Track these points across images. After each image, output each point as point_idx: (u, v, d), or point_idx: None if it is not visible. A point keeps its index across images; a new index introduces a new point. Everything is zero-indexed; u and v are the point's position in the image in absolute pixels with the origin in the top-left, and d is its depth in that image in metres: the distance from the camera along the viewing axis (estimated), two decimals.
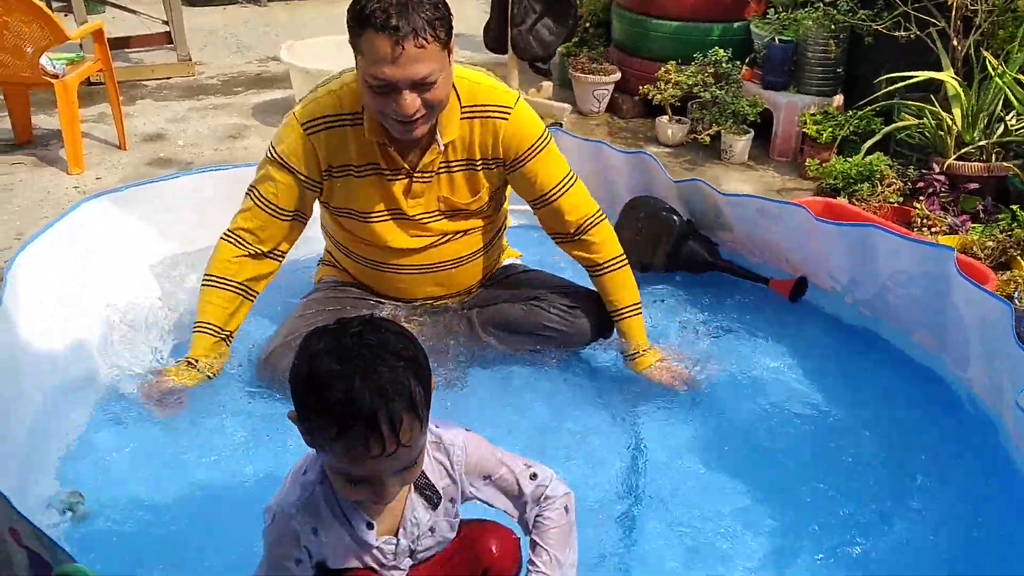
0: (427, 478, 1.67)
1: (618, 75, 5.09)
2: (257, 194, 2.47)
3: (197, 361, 2.43)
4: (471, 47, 5.53)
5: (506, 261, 2.93)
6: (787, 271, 3.04)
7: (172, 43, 5.91)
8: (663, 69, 4.68)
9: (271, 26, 7.09)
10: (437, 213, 2.55)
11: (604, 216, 2.62)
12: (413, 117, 2.23)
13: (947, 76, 3.84)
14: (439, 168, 2.47)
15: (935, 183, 3.68)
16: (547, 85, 5.08)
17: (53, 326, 2.45)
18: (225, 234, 2.51)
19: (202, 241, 2.96)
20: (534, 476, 1.75)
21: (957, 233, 3.43)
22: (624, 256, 2.61)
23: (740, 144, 4.49)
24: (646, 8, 4.99)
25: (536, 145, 2.48)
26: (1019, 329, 2.81)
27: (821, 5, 4.43)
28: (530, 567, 1.73)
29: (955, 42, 3.95)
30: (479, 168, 2.51)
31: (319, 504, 1.59)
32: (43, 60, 4.09)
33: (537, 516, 1.75)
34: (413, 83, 2.17)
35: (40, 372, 2.34)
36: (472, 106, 2.43)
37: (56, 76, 4.13)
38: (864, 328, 2.86)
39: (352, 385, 1.40)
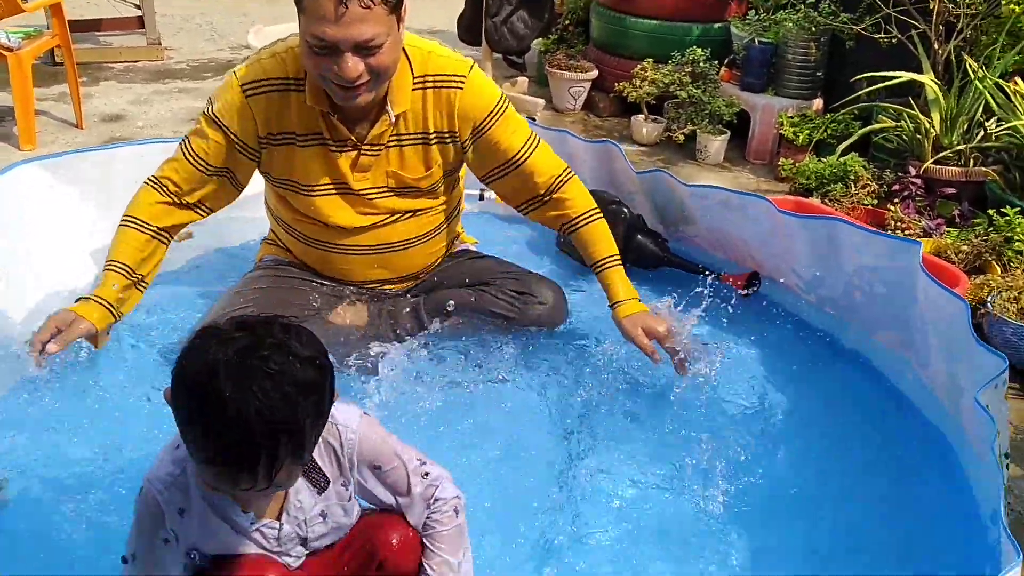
0: (314, 461, 1.54)
1: (595, 73, 4.99)
2: (187, 146, 2.35)
3: (103, 299, 2.25)
4: (447, 42, 5.43)
5: (459, 247, 2.81)
6: (750, 267, 2.93)
7: (143, 28, 5.79)
8: (639, 67, 4.57)
9: (248, 15, 6.97)
10: (385, 189, 2.42)
11: (572, 173, 2.53)
12: (355, 82, 2.11)
13: (927, 79, 3.74)
14: (389, 141, 2.35)
15: (911, 186, 3.58)
16: (522, 80, 4.97)
17: None
18: (149, 179, 2.38)
19: None
20: (426, 475, 1.63)
21: (931, 236, 3.32)
22: (598, 208, 2.52)
23: (715, 144, 4.38)
24: (626, 6, 4.88)
25: (495, 111, 2.38)
26: (991, 332, 2.73)
27: (802, 7, 4.34)
28: (421, 571, 1.61)
29: (936, 46, 3.86)
30: (433, 142, 2.39)
31: (188, 484, 1.46)
32: None
33: (427, 519, 1.63)
34: (356, 45, 2.05)
35: None
36: (424, 76, 2.31)
37: (10, 49, 3.98)
38: (827, 327, 2.75)
39: (241, 418, 1.26)
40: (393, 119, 2.30)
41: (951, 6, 3.76)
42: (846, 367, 2.62)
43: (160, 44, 5.74)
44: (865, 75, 3.84)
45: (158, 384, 2.26)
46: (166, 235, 2.38)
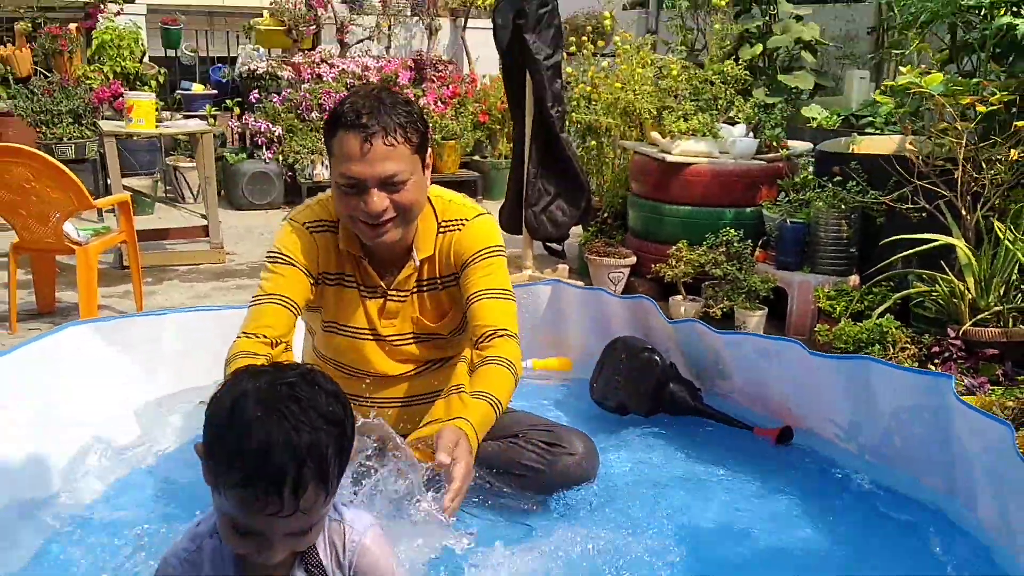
0: (319, 558, 1.54)
1: (633, 259, 5.13)
2: (264, 294, 2.34)
3: None
4: None
5: None
6: (790, 422, 2.89)
7: (208, 236, 6.16)
8: (674, 248, 4.71)
9: None
10: (410, 336, 2.48)
11: (516, 338, 2.39)
12: (381, 218, 2.22)
13: (959, 243, 3.79)
14: (414, 287, 2.44)
15: (951, 348, 3.54)
16: (562, 268, 5.13)
17: (17, 442, 2.38)
18: (239, 334, 2.32)
19: (189, 380, 2.94)
20: None
21: (975, 395, 3.25)
22: (511, 362, 2.33)
23: (754, 320, 4.42)
24: (660, 195, 5.09)
25: (482, 252, 2.42)
26: None
27: (830, 186, 4.48)
28: None
29: (964, 213, 3.93)
30: (445, 287, 2.47)
31: (203, 560, 1.49)
32: (68, 228, 4.24)
33: None
34: (381, 181, 2.19)
35: None
36: (443, 222, 2.44)
37: (78, 243, 4.26)
38: (869, 476, 2.66)
39: (269, 439, 1.34)
40: (417, 264, 2.40)
41: (976, 175, 3.86)
42: (892, 516, 2.50)
43: (222, 248, 6.07)
44: (893, 238, 3.90)
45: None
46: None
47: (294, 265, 2.36)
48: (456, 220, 2.44)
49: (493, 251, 2.44)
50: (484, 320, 2.37)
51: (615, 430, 2.91)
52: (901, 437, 2.54)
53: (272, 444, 1.33)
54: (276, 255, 2.37)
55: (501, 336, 2.35)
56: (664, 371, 2.95)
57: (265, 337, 2.28)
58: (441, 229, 2.43)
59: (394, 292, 2.42)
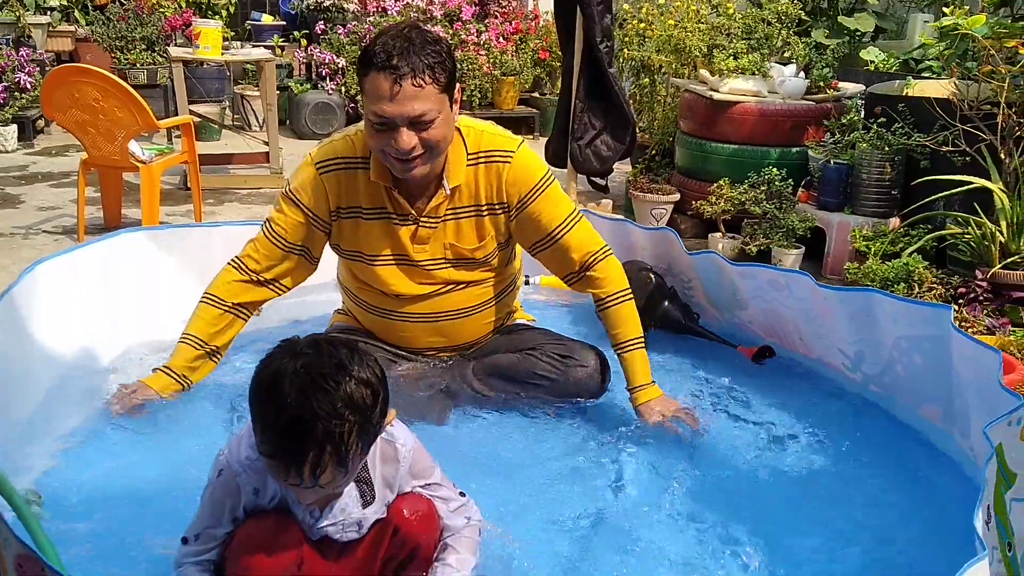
0: (368, 477, 1.73)
1: (677, 196, 5.20)
2: (268, 226, 2.60)
3: (171, 370, 2.51)
4: None
5: (515, 322, 2.96)
6: (801, 352, 3.00)
7: (268, 161, 6.38)
8: (716, 185, 4.77)
9: None
10: (443, 260, 2.61)
11: (610, 252, 2.64)
12: (410, 155, 2.34)
13: (995, 186, 3.80)
14: (446, 214, 2.55)
15: (977, 289, 3.58)
16: (606, 203, 5.22)
17: (72, 333, 2.61)
18: (232, 260, 2.63)
19: None
20: (462, 494, 1.87)
21: (994, 334, 3.30)
22: (629, 290, 2.63)
23: (790, 259, 4.48)
24: (707, 132, 5.14)
25: (539, 185, 2.56)
26: None
27: (875, 127, 4.48)
28: (437, 562, 1.78)
29: (1004, 157, 3.92)
30: (485, 214, 2.58)
31: (264, 468, 1.65)
32: (133, 146, 4.48)
33: (451, 525, 1.83)
34: (410, 120, 2.29)
35: (45, 371, 2.48)
36: (477, 152, 2.53)
37: (143, 162, 4.50)
38: (874, 404, 2.76)
39: (295, 422, 1.50)
40: (448, 192, 2.51)
41: (1019, 120, 3.85)
42: (891, 442, 2.60)
43: (282, 174, 6.29)
44: (931, 178, 3.91)
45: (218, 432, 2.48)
46: (243, 310, 2.61)
47: (299, 206, 2.54)
48: (496, 151, 2.53)
49: (547, 180, 2.58)
50: (576, 253, 2.61)
51: None
52: (903, 366, 2.62)
53: (297, 428, 1.49)
54: (287, 193, 2.57)
55: (601, 259, 2.62)
56: (659, 289, 3.16)
57: (247, 269, 2.58)
58: (475, 160, 2.53)
59: (425, 219, 2.54)
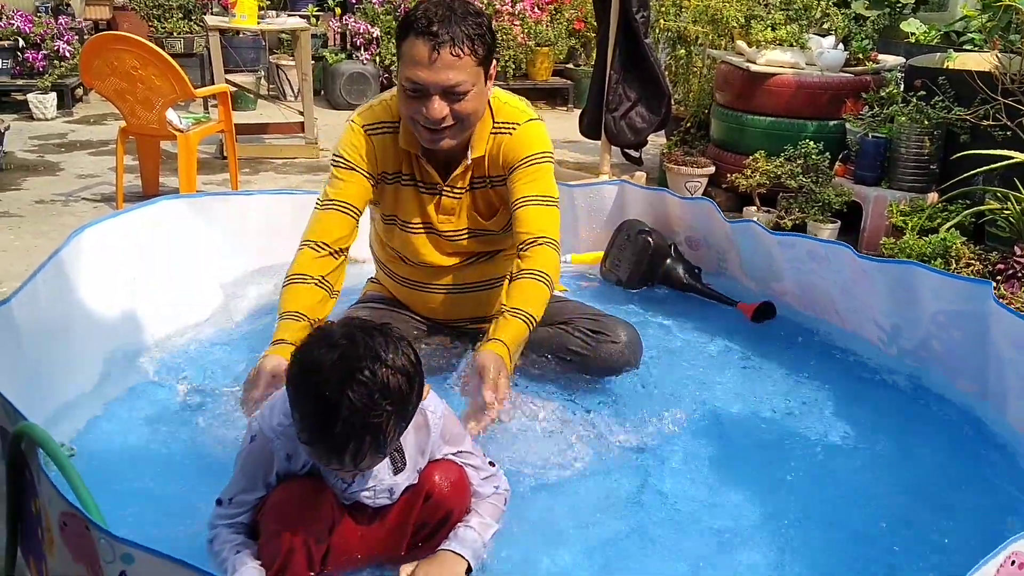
0: (400, 444, 1.75)
1: (712, 168, 5.17)
2: (328, 200, 2.48)
3: (285, 341, 2.27)
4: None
5: None
6: (836, 324, 2.99)
7: (304, 132, 6.41)
8: (751, 158, 4.73)
9: None
10: (465, 231, 2.59)
11: (554, 245, 2.44)
12: (440, 124, 2.33)
13: None
14: (468, 185, 2.54)
15: (1016, 265, 3.53)
16: (639, 175, 5.20)
17: (114, 297, 2.65)
18: (303, 243, 2.47)
19: (270, 258, 3.17)
20: (492, 464, 1.92)
21: None
22: (551, 279, 2.41)
23: (826, 233, 4.44)
24: (743, 105, 5.09)
25: (529, 158, 2.48)
26: None
27: (914, 101, 4.42)
28: (460, 524, 1.81)
29: None
30: (493, 185, 2.56)
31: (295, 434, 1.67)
32: (171, 115, 4.52)
33: (480, 492, 1.87)
34: (444, 89, 2.28)
35: (88, 333, 2.52)
36: (497, 123, 2.52)
37: (180, 130, 4.54)
38: (909, 378, 2.75)
39: (333, 415, 1.52)
40: (471, 162, 2.49)
41: None
42: (926, 415, 2.60)
43: (317, 144, 6.32)
44: (969, 152, 3.86)
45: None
46: (330, 285, 2.44)
47: (355, 170, 2.48)
48: (508, 123, 2.51)
49: (540, 157, 2.49)
50: (526, 227, 2.43)
51: (654, 321, 3.12)
52: (940, 341, 2.61)
53: (336, 420, 1.51)
54: (339, 159, 2.50)
55: (541, 244, 2.41)
56: (659, 250, 3.28)
57: (325, 246, 2.42)
58: (494, 130, 2.51)
59: (448, 189, 2.54)
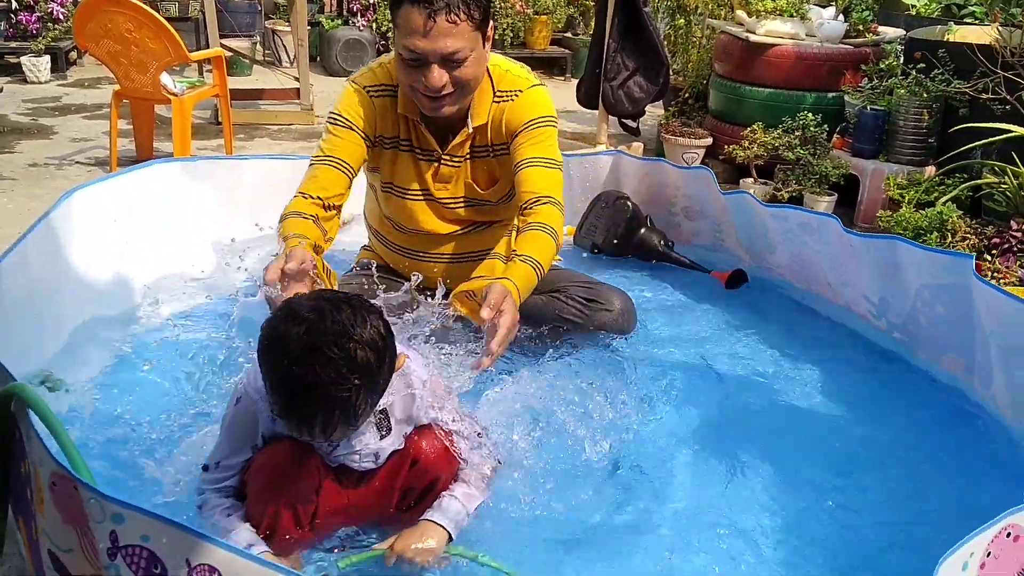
0: (384, 409, 1.76)
1: (709, 140, 5.15)
2: (321, 155, 2.44)
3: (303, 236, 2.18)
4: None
5: None
6: (828, 297, 2.99)
7: (299, 98, 6.37)
8: (749, 129, 4.71)
9: None
10: (462, 200, 2.59)
11: (558, 204, 2.41)
12: (440, 92, 2.30)
13: None
14: (467, 153, 2.53)
15: (1011, 239, 3.53)
16: (637, 146, 5.18)
17: (105, 259, 2.65)
18: (297, 193, 2.42)
19: (263, 225, 3.15)
20: (479, 434, 1.91)
21: None
22: (556, 232, 2.37)
23: (822, 206, 4.43)
24: (742, 75, 5.06)
25: (533, 122, 2.46)
26: None
27: (914, 73, 4.39)
28: (445, 493, 1.81)
29: None
30: (494, 155, 2.54)
31: None
32: (165, 79, 4.49)
33: (468, 460, 1.86)
34: (443, 57, 2.26)
35: (82, 294, 2.52)
36: (498, 91, 2.50)
37: (174, 94, 4.50)
38: (895, 354, 2.77)
39: (301, 388, 1.51)
40: (471, 131, 2.48)
41: None
42: (910, 391, 2.61)
43: (312, 111, 6.28)
44: (967, 125, 3.84)
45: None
46: (322, 227, 2.36)
47: (353, 129, 2.45)
48: (511, 91, 2.49)
49: (544, 121, 2.48)
50: (530, 187, 2.41)
51: (647, 289, 3.18)
52: (925, 316, 2.61)
53: (303, 394, 1.51)
54: (337, 117, 2.46)
55: (545, 203, 2.38)
56: (635, 218, 3.34)
57: (319, 198, 2.37)
58: (496, 98, 2.49)
59: (447, 157, 2.52)
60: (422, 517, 1.77)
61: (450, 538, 1.76)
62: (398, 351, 1.68)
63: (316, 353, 1.49)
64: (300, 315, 1.53)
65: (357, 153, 2.46)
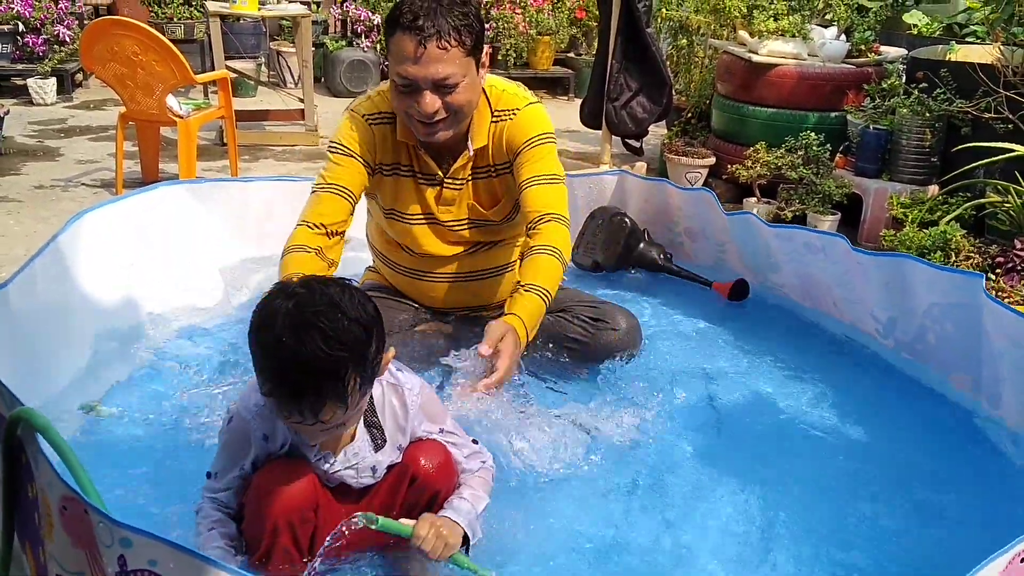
0: (377, 420, 1.77)
1: (712, 159, 5.16)
2: (323, 184, 2.46)
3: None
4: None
5: None
6: (834, 315, 2.99)
7: (304, 119, 6.40)
8: (752, 149, 4.72)
9: None
10: (466, 221, 2.60)
11: (564, 220, 2.44)
12: (433, 118, 2.33)
13: None
14: (469, 176, 2.54)
15: (1015, 259, 3.53)
16: (640, 165, 5.19)
17: (112, 282, 2.66)
18: (299, 223, 2.45)
19: (268, 244, 3.16)
20: (475, 441, 1.91)
21: None
22: (562, 252, 2.40)
23: (825, 224, 4.44)
24: (744, 95, 5.08)
25: (534, 139, 2.48)
26: None
27: (916, 93, 4.41)
28: (453, 496, 1.81)
29: None
30: (497, 174, 2.56)
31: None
32: (171, 101, 4.51)
33: (467, 468, 1.87)
34: (434, 83, 2.28)
35: (87, 317, 2.53)
36: (496, 111, 2.52)
37: (181, 116, 4.53)
38: (903, 372, 2.76)
39: (291, 361, 1.51)
40: (472, 153, 2.49)
41: None
42: (919, 408, 2.61)
43: (317, 132, 6.31)
44: (971, 145, 3.86)
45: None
46: (328, 258, 2.42)
47: (353, 156, 2.47)
48: (508, 110, 2.51)
49: (543, 138, 2.50)
50: (534, 206, 2.44)
51: (648, 306, 3.18)
52: (934, 335, 2.61)
53: (292, 366, 1.51)
54: (336, 146, 2.49)
55: (549, 221, 2.41)
56: (633, 233, 3.38)
57: (321, 226, 2.41)
58: (494, 118, 2.51)
59: (450, 180, 2.53)
60: (439, 514, 1.76)
61: (466, 538, 1.75)
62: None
63: (305, 325, 1.50)
64: (290, 291, 1.56)
65: (358, 180, 2.49)
